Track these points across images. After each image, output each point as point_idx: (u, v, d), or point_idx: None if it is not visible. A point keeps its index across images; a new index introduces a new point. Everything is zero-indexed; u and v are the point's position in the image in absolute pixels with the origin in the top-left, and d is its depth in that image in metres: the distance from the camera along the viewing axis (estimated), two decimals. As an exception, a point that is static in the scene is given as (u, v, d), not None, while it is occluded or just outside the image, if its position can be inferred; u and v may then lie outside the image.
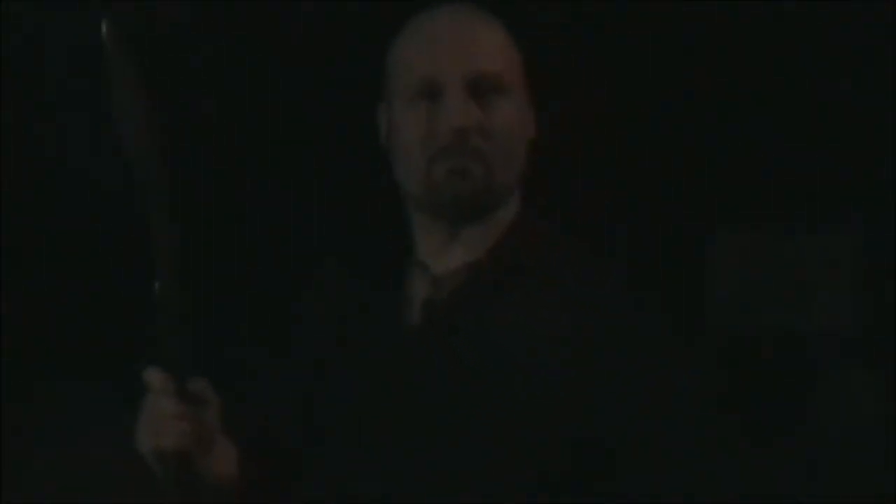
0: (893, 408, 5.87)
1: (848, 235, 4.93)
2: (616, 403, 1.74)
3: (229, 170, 3.79)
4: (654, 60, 4.83)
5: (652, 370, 1.76)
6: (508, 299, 1.81)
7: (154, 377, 1.76)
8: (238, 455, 1.85)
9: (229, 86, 3.66)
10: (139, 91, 1.69)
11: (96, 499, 4.53)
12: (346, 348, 1.90)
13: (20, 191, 4.16)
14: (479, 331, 1.80)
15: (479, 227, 1.87)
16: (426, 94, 1.83)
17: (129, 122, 1.71)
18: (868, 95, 4.69)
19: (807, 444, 5.83)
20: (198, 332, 1.78)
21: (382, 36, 1.97)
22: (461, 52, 1.83)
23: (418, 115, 1.83)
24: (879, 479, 5.67)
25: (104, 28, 1.66)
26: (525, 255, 1.86)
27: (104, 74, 1.66)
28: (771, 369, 5.83)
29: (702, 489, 1.73)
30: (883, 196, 4.54)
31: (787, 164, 4.70)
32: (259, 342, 2.16)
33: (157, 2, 3.38)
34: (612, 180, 4.74)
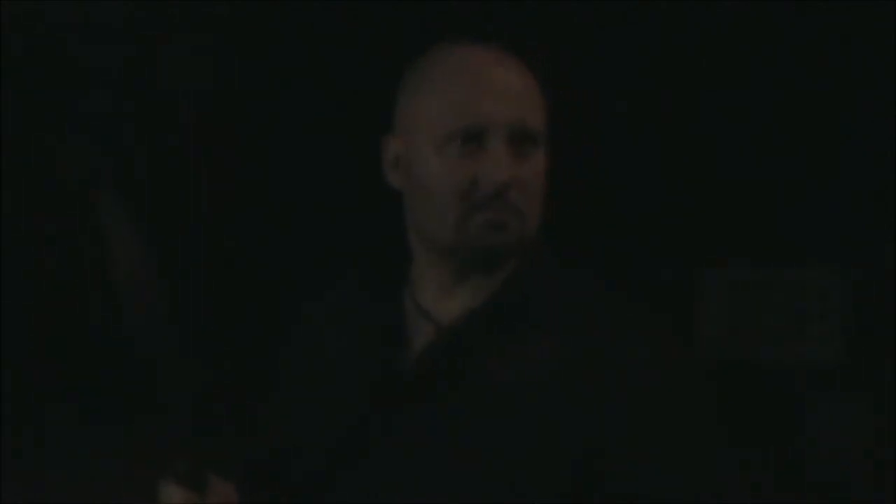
0: (877, 435, 5.82)
1: (836, 271, 4.99)
2: (622, 453, 1.73)
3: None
4: (654, 105, 5.08)
5: (659, 411, 1.74)
6: (512, 347, 1.78)
7: (174, 495, 1.81)
8: None
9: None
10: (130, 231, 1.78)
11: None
12: (341, 392, 1.86)
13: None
14: (483, 380, 1.77)
15: (485, 272, 1.84)
16: (464, 139, 1.77)
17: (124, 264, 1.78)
18: (860, 134, 4.88)
19: (794, 469, 5.87)
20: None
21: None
22: (508, 102, 1.78)
23: (454, 162, 1.78)
24: (864, 501, 5.75)
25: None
26: (528, 297, 1.82)
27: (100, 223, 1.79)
28: (759, 399, 5.73)
29: None
30: (869, 233, 4.63)
31: (779, 202, 4.86)
32: (255, 388, 2.20)
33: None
34: (609, 218, 4.97)
